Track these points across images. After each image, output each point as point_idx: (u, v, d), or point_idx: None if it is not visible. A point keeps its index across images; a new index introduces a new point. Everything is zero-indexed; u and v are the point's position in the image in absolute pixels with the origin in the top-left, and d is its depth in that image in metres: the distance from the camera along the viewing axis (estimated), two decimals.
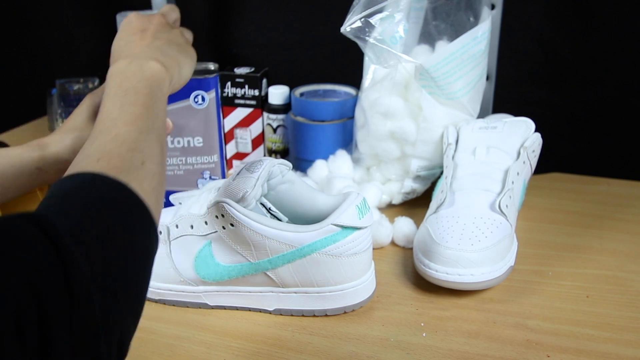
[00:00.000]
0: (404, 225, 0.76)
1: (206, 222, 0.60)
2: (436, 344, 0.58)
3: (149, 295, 0.65)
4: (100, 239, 0.37)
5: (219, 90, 0.77)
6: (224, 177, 0.81)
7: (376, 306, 0.64)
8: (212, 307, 0.64)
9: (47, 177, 0.70)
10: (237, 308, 0.64)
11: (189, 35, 0.69)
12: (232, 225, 0.58)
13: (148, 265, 0.42)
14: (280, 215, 0.63)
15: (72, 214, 0.38)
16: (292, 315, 0.63)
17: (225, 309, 0.64)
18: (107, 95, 0.52)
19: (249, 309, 0.64)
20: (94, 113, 0.70)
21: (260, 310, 0.64)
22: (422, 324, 0.61)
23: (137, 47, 0.58)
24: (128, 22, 0.63)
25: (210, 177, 0.79)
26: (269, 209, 0.62)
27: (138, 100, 0.51)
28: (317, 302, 0.61)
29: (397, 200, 0.85)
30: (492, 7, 0.89)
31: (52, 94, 1.08)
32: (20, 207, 0.81)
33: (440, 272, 0.64)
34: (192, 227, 0.62)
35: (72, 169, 0.44)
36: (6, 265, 0.32)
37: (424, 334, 0.60)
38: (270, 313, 0.63)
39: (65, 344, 0.33)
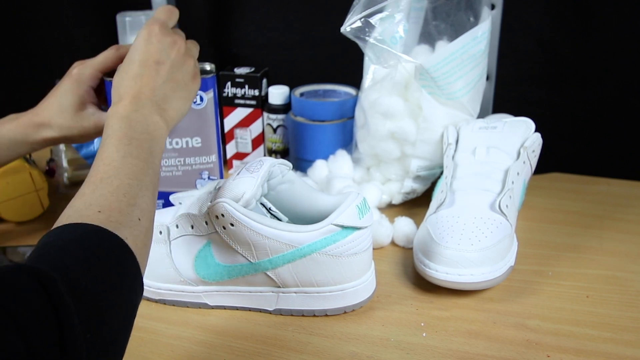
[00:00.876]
0: (404, 225, 0.76)
1: (206, 222, 0.60)
2: (436, 344, 0.58)
3: (149, 295, 0.65)
4: (96, 296, 0.39)
5: (217, 90, 0.76)
6: (222, 177, 0.81)
7: (376, 306, 0.64)
8: (212, 307, 0.64)
9: (34, 151, 0.73)
10: (237, 308, 0.64)
11: (195, 50, 0.68)
12: (232, 225, 0.58)
13: (132, 319, 0.44)
14: (280, 215, 0.63)
15: (71, 268, 0.39)
16: (292, 315, 0.63)
17: (225, 309, 0.64)
18: (110, 138, 0.53)
19: (249, 309, 0.64)
20: (80, 96, 0.70)
21: (260, 310, 0.64)
22: (422, 324, 0.61)
23: (147, 86, 0.59)
24: (146, 44, 0.61)
25: (208, 177, 0.79)
26: (269, 209, 0.62)
27: (140, 154, 0.53)
28: (317, 302, 0.61)
29: (397, 200, 0.85)
30: (492, 7, 0.89)
31: None
32: (21, 209, 0.81)
33: (440, 272, 0.64)
34: (192, 227, 0.62)
35: (71, 215, 0.45)
36: (2, 318, 0.32)
37: (424, 334, 0.60)
38: (270, 313, 0.63)
39: None
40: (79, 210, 0.46)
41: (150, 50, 0.61)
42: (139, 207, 0.48)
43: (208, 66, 0.77)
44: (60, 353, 0.34)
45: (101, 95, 0.73)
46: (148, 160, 0.53)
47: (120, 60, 0.70)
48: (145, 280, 0.60)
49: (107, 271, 0.41)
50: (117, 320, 0.41)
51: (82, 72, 0.71)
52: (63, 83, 0.71)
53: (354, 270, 0.61)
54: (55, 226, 0.44)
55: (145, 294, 0.64)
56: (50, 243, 0.41)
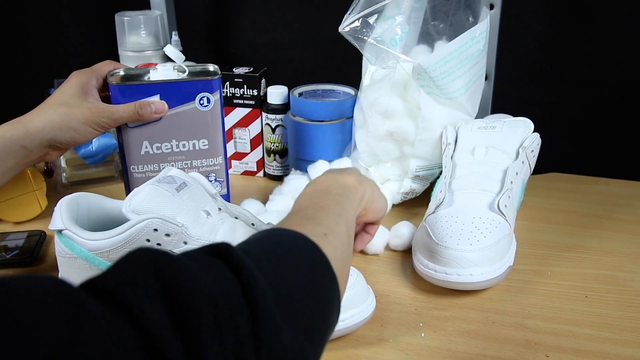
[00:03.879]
0: (402, 225, 0.76)
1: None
2: (435, 344, 0.58)
3: None
4: (288, 278, 0.37)
5: (222, 92, 0.76)
6: (227, 179, 0.81)
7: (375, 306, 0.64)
8: None
9: (32, 156, 0.68)
10: None
11: None
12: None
13: (329, 317, 0.40)
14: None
15: (261, 254, 0.37)
16: None
17: None
18: (299, 196, 0.53)
19: None
20: (83, 89, 0.69)
21: None
22: (421, 324, 0.61)
23: (325, 174, 0.57)
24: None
25: (215, 180, 0.79)
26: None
27: (329, 196, 0.51)
28: None
29: (396, 200, 0.85)
30: (491, 7, 0.89)
31: (50, 93, 1.07)
32: (20, 209, 0.81)
33: (439, 272, 0.64)
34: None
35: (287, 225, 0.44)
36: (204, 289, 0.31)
37: (423, 334, 0.60)
38: None
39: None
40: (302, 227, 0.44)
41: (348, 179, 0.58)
42: (325, 225, 0.46)
43: (212, 67, 0.76)
44: (254, 335, 0.31)
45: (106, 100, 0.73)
46: (338, 201, 0.51)
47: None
48: None
49: (302, 266, 0.39)
50: (315, 312, 0.38)
51: (80, 77, 0.71)
52: (63, 85, 0.70)
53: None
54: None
55: None
56: (255, 237, 0.41)
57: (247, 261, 0.33)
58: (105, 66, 0.75)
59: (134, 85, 0.72)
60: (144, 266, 0.30)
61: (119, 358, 0.26)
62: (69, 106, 0.67)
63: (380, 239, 0.74)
